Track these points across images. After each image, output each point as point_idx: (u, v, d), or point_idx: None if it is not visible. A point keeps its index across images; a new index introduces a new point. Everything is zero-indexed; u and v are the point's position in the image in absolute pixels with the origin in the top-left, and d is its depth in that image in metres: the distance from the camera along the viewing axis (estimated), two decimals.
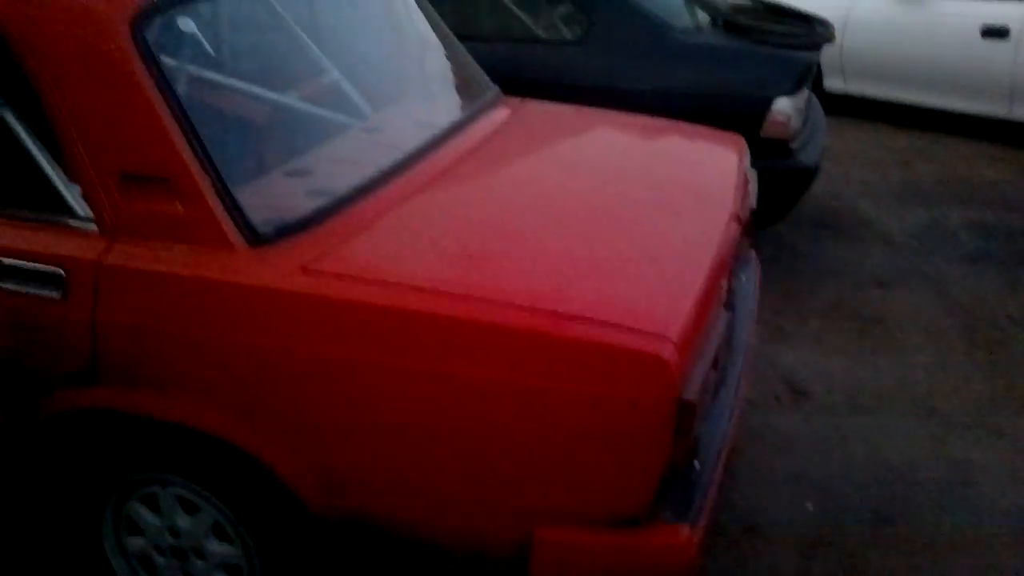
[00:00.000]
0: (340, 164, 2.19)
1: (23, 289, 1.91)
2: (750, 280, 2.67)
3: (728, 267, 2.17)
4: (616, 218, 2.13)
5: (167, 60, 1.91)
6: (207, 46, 2.19)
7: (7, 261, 1.92)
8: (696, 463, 1.95)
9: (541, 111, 2.86)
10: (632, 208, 2.19)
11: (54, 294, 1.89)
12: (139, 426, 1.96)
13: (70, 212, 1.92)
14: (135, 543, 2.14)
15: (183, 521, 2.06)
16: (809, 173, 4.00)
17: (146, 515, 2.09)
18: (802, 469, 2.91)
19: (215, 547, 2.06)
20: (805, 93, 3.98)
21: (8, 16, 1.87)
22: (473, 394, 1.71)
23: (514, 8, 4.12)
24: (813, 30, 4.16)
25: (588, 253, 1.94)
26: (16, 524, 2.49)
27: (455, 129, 2.50)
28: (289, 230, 1.89)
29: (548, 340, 1.67)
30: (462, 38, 3.03)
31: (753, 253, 2.83)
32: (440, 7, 3.30)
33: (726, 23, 4.12)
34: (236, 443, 1.86)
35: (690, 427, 1.73)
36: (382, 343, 1.73)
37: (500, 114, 2.73)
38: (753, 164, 2.82)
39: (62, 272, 1.88)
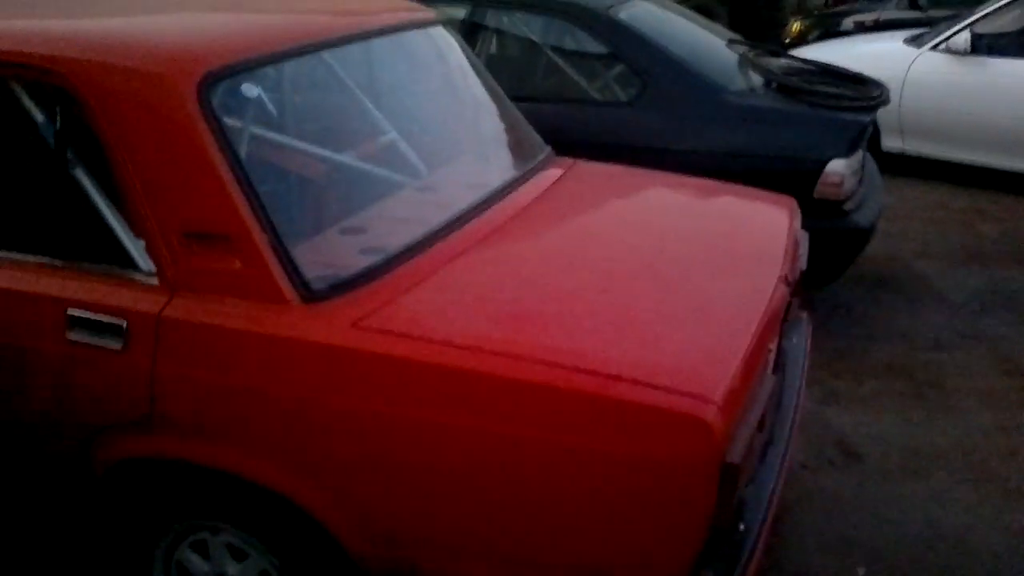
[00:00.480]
0: (393, 222, 2.25)
1: (86, 339, 1.98)
2: (800, 342, 2.66)
3: (776, 329, 2.17)
4: (664, 279, 2.15)
5: (230, 122, 1.99)
6: (270, 108, 2.28)
7: (73, 312, 2.00)
8: (741, 525, 1.94)
9: (593, 171, 2.90)
10: (680, 269, 2.21)
11: (115, 344, 1.96)
12: (192, 474, 2.02)
13: (134, 266, 2.00)
14: None
15: (232, 568, 2.10)
16: (864, 234, 3.97)
17: (196, 561, 2.14)
18: (854, 533, 2.87)
19: None
20: (860, 155, 3.97)
21: (80, 79, 1.96)
22: (518, 452, 1.73)
23: (568, 69, 4.19)
24: (868, 92, 4.16)
25: (635, 313, 1.96)
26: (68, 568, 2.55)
27: (507, 189, 2.55)
28: (342, 287, 1.94)
29: (592, 400, 1.69)
30: (516, 99, 3.09)
31: (804, 315, 2.82)
32: (494, 69, 3.37)
33: (779, 85, 4.15)
34: (285, 494, 1.91)
35: (734, 490, 1.72)
36: (427, 399, 1.76)
37: (552, 174, 2.78)
38: (807, 225, 2.82)
39: (124, 324, 1.95)
